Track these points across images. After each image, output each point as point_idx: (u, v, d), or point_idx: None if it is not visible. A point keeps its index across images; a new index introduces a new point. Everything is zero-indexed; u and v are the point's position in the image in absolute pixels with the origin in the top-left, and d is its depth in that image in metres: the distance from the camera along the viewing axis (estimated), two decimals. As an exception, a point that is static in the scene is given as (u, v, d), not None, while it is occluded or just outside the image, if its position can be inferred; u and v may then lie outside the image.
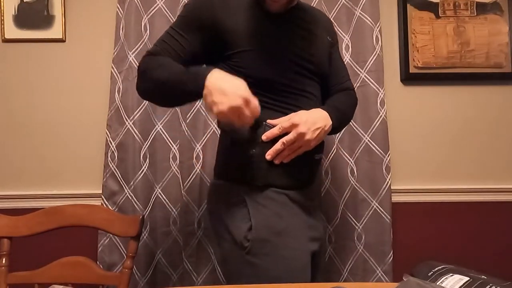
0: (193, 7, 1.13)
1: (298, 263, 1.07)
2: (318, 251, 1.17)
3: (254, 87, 1.03)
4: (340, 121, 1.18)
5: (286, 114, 1.09)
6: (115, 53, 1.71)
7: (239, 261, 1.08)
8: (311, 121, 1.06)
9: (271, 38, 1.11)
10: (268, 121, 1.06)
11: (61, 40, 1.80)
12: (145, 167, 1.70)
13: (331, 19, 1.33)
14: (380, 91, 1.71)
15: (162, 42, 1.12)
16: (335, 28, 1.33)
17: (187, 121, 1.70)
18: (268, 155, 1.06)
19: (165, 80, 1.03)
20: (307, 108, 1.11)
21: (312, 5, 1.74)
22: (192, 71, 1.02)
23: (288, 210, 1.10)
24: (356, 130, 1.72)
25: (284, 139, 1.04)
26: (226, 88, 0.95)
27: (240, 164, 1.09)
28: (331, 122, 1.11)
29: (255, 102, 0.96)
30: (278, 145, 1.05)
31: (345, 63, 1.72)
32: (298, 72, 1.13)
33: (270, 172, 1.08)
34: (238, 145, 1.09)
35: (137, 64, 1.65)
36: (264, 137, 1.05)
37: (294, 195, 1.12)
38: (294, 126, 1.04)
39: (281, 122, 1.06)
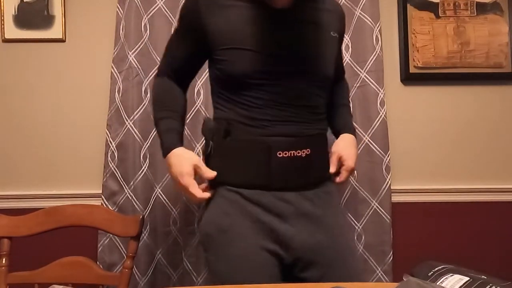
0: (183, 13, 1.18)
1: (244, 262, 1.07)
2: (296, 262, 1.10)
3: (225, 84, 1.12)
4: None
5: (257, 112, 1.08)
6: (115, 53, 1.71)
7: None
8: (355, 152, 1.24)
9: (260, 37, 1.09)
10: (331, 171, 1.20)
11: (61, 40, 1.79)
12: (145, 167, 1.70)
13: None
14: (380, 91, 1.71)
15: (166, 54, 1.26)
16: (344, 19, 1.28)
17: (187, 121, 1.70)
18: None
19: (155, 122, 1.22)
20: (285, 101, 1.09)
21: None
22: (165, 137, 1.16)
23: (238, 209, 1.09)
24: (356, 130, 1.71)
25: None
26: (172, 173, 1.14)
27: (206, 163, 1.15)
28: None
29: (192, 190, 1.10)
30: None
31: (344, 63, 1.73)
32: (283, 71, 1.09)
33: (223, 170, 1.11)
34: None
35: (137, 64, 1.69)
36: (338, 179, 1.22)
37: (253, 195, 1.09)
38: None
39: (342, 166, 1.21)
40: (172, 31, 1.71)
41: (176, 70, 1.22)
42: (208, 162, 1.14)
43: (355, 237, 1.70)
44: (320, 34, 1.15)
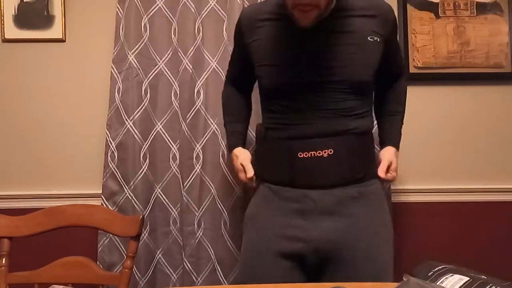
0: (234, 32, 1.33)
1: (252, 250, 1.22)
2: (312, 256, 1.15)
3: (262, 95, 1.29)
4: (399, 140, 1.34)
5: (282, 117, 1.20)
6: (115, 53, 1.71)
7: None
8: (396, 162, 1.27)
9: (284, 52, 1.19)
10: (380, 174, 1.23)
11: (61, 40, 1.80)
12: (145, 167, 1.70)
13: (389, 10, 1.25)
14: (380, 91, 1.71)
15: (229, 64, 1.44)
16: (394, 22, 1.25)
17: (187, 121, 1.70)
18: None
19: (224, 124, 1.44)
20: (307, 114, 1.17)
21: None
22: (230, 138, 1.38)
23: (266, 202, 1.22)
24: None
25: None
26: (233, 165, 1.34)
27: (254, 162, 1.31)
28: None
29: (241, 176, 1.30)
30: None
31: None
32: (305, 81, 1.15)
33: (261, 168, 1.27)
34: None
35: (137, 64, 1.70)
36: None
37: (281, 190, 1.20)
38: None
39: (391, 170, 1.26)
40: (173, 31, 1.73)
41: (236, 80, 1.42)
42: (255, 162, 1.31)
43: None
44: (350, 42, 1.16)
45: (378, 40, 1.18)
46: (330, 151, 1.14)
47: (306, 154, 1.15)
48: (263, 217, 1.22)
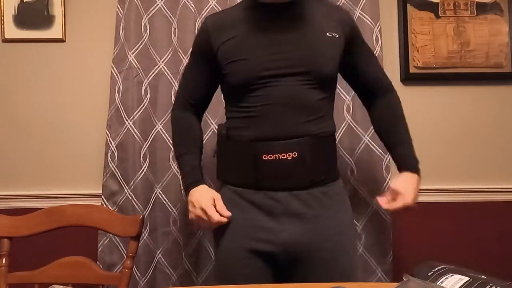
0: (195, 40, 1.30)
1: (228, 257, 1.19)
2: (285, 257, 1.15)
3: (227, 95, 1.26)
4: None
5: (247, 117, 1.18)
6: (115, 53, 1.71)
7: None
8: (415, 189, 1.29)
9: (251, 44, 1.17)
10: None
11: (61, 40, 1.80)
12: (145, 167, 1.70)
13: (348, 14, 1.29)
14: (380, 91, 1.71)
15: (181, 84, 1.36)
16: (352, 23, 1.28)
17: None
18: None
19: (176, 156, 1.34)
20: (277, 109, 1.14)
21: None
22: (189, 175, 1.26)
23: (233, 206, 1.19)
24: (356, 130, 1.71)
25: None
26: (191, 202, 1.22)
27: (216, 164, 1.28)
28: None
29: (210, 212, 1.17)
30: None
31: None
32: (272, 74, 1.14)
33: (224, 171, 1.25)
34: None
35: (137, 64, 1.70)
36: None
37: (246, 193, 1.18)
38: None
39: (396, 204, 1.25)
40: (173, 31, 1.73)
41: (192, 97, 1.32)
42: (216, 163, 1.28)
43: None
44: (313, 34, 1.19)
45: (337, 36, 1.20)
46: (295, 154, 1.13)
47: (270, 157, 1.13)
48: (231, 225, 1.18)
